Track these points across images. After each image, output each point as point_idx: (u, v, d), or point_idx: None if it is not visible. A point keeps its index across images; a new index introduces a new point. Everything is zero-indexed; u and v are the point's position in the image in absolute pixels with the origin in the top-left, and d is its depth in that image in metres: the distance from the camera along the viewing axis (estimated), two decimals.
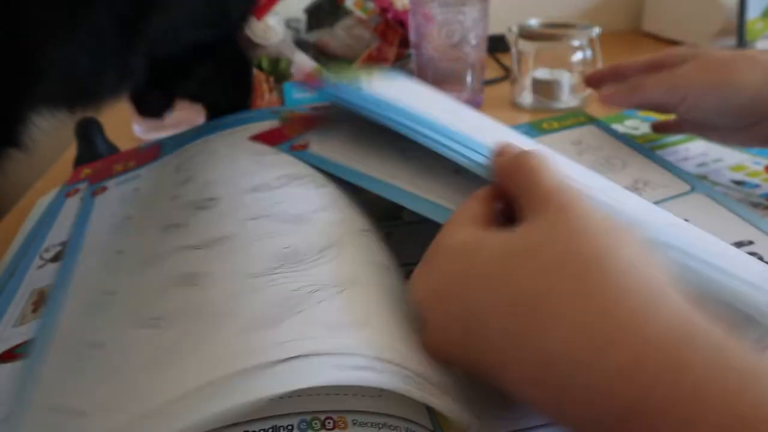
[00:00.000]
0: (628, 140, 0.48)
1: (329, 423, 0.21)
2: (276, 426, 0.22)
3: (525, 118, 0.62)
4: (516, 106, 0.72)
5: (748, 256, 0.29)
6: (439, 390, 0.23)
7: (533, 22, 0.72)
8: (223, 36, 0.45)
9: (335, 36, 0.80)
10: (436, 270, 0.25)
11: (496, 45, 0.82)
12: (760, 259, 0.34)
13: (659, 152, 0.48)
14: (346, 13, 0.81)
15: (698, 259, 0.26)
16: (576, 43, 0.69)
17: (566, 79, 0.69)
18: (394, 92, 0.39)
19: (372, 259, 0.30)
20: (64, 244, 0.38)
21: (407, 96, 0.39)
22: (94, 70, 0.33)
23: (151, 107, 0.49)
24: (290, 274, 0.26)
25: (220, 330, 0.23)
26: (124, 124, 0.66)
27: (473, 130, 0.36)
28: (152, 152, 0.47)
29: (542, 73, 0.70)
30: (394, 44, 0.78)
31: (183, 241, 0.31)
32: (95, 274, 0.34)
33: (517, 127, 0.44)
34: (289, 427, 0.22)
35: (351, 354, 0.21)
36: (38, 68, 0.30)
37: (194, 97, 0.52)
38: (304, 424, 0.21)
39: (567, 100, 0.69)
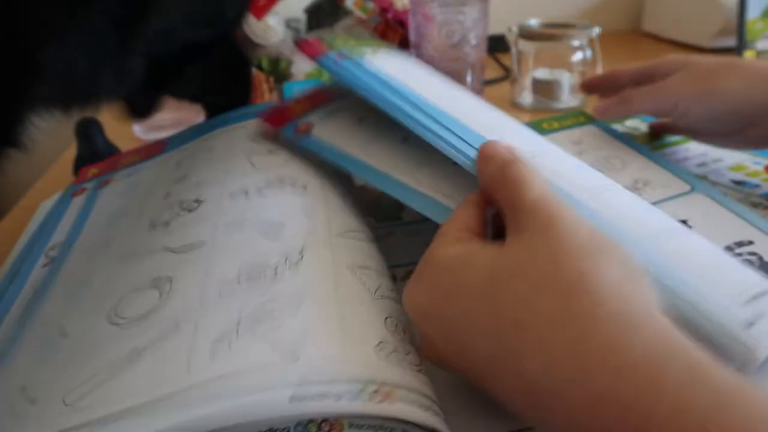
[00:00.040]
0: (628, 140, 0.48)
1: (325, 426, 0.21)
2: (273, 429, 0.22)
3: (525, 118, 0.62)
4: (516, 106, 0.72)
5: (740, 267, 0.29)
6: (406, 401, 0.23)
7: (533, 22, 0.72)
8: (219, 35, 0.45)
9: None
10: (425, 285, 0.25)
11: (496, 45, 0.82)
12: (760, 259, 0.34)
13: (659, 152, 0.48)
14: (346, 13, 0.81)
15: (676, 279, 0.26)
16: (576, 43, 0.68)
17: (566, 79, 0.69)
18: (396, 70, 0.39)
19: (349, 261, 0.30)
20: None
21: (408, 76, 0.39)
22: (91, 70, 0.33)
23: (140, 107, 0.48)
24: (251, 291, 0.27)
25: (179, 344, 0.24)
26: (124, 124, 0.66)
27: (472, 114, 0.36)
28: (158, 146, 0.48)
29: (542, 73, 0.70)
30: (394, 44, 0.78)
31: (163, 242, 0.32)
32: (82, 263, 0.34)
33: None
34: (286, 430, 0.22)
35: (304, 384, 0.22)
36: (38, 68, 0.30)
37: (194, 97, 0.52)
38: (301, 427, 0.21)
39: (567, 100, 0.69)
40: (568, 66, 0.69)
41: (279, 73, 0.74)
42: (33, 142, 0.32)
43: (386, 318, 0.27)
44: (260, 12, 0.63)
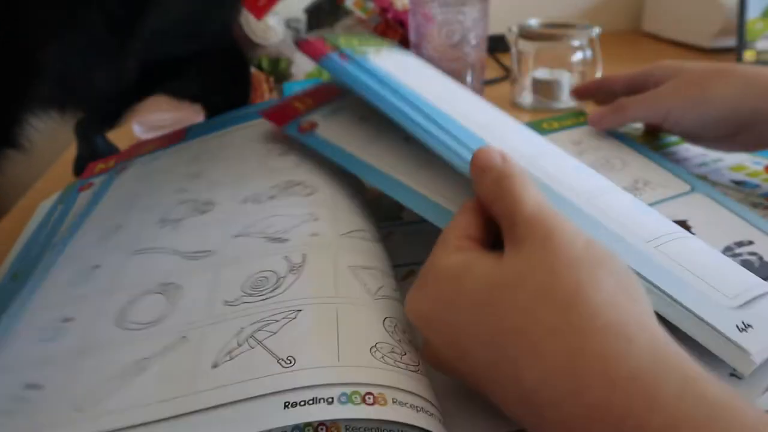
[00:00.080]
0: (628, 140, 0.48)
1: (322, 429, 0.21)
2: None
3: (525, 118, 0.62)
4: (516, 106, 0.72)
5: (738, 269, 0.29)
6: (398, 403, 0.23)
7: (533, 22, 0.72)
8: (200, 51, 0.45)
9: None
10: (427, 292, 0.26)
11: (496, 45, 0.82)
12: (760, 259, 0.34)
13: (659, 152, 0.48)
14: (346, 13, 0.81)
15: (673, 282, 0.26)
16: (576, 43, 0.68)
17: (566, 79, 0.69)
18: (398, 70, 0.39)
19: (352, 261, 0.30)
20: None
21: (410, 75, 0.39)
22: (89, 70, 0.33)
23: (105, 118, 0.48)
24: (254, 301, 0.27)
25: (183, 356, 0.25)
26: (124, 124, 0.66)
27: (472, 115, 0.36)
28: (178, 135, 0.49)
29: (542, 73, 0.70)
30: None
31: (173, 243, 0.33)
32: (91, 244, 0.35)
33: None
34: None
35: (298, 389, 0.22)
36: (38, 68, 0.30)
37: (193, 97, 0.52)
38: (297, 430, 0.21)
39: (567, 100, 0.69)
40: (568, 66, 0.69)
41: (279, 73, 0.74)
42: (32, 142, 0.32)
43: (385, 318, 0.27)
44: (260, 12, 0.63)
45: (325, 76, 0.68)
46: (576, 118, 0.52)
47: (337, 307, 0.27)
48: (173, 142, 0.48)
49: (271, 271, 0.29)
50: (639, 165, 0.45)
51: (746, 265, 0.33)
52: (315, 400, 0.22)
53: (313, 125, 0.40)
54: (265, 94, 0.67)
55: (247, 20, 0.71)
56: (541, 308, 0.22)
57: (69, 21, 0.31)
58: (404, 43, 0.76)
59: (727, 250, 0.35)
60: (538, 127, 0.51)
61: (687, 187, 0.42)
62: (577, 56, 0.69)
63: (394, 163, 0.35)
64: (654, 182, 0.42)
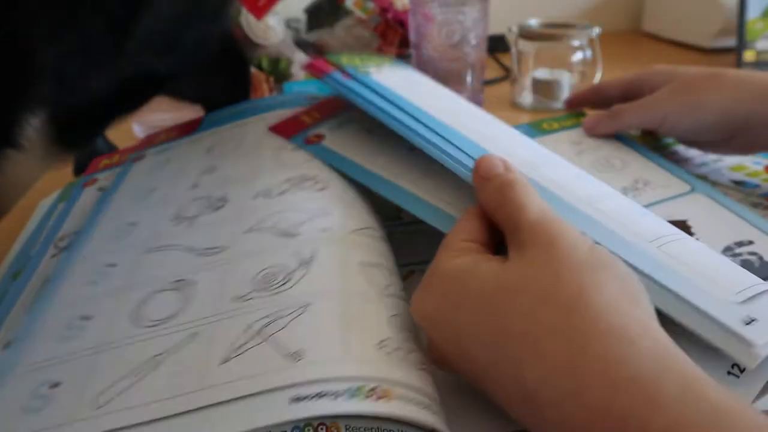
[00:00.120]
0: (628, 140, 0.48)
1: (322, 429, 0.21)
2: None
3: (525, 118, 0.62)
4: (516, 106, 0.72)
5: (737, 269, 0.29)
6: (404, 399, 0.23)
7: (533, 22, 0.72)
8: (179, 66, 0.44)
9: (335, 36, 0.80)
10: (432, 294, 0.26)
11: (496, 45, 0.82)
12: (760, 258, 0.34)
13: (659, 152, 0.48)
14: (346, 13, 0.81)
15: (675, 279, 0.27)
16: (576, 43, 0.68)
17: (566, 79, 0.69)
18: (399, 85, 0.40)
19: (361, 259, 0.30)
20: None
21: (411, 90, 0.40)
22: (87, 70, 0.34)
23: (76, 136, 0.47)
24: (263, 298, 0.27)
25: (194, 353, 0.25)
26: (124, 124, 0.66)
27: (473, 126, 0.37)
28: (192, 125, 0.49)
29: (542, 73, 0.70)
30: (394, 44, 0.78)
31: (187, 240, 0.33)
32: (106, 242, 0.36)
33: (517, 127, 0.44)
34: None
35: (304, 384, 0.22)
36: (37, 68, 0.30)
37: (193, 97, 0.52)
38: (297, 430, 0.21)
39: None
40: (568, 66, 0.69)
41: (279, 73, 0.74)
42: (32, 142, 0.32)
43: (392, 316, 0.27)
44: (260, 12, 0.63)
45: None
46: (576, 118, 0.52)
47: (345, 302, 0.27)
48: (187, 132, 0.48)
49: (281, 265, 0.29)
50: (639, 165, 0.45)
51: (746, 264, 0.33)
52: (321, 395, 0.22)
53: (320, 137, 0.41)
54: (265, 94, 0.67)
55: (247, 20, 0.71)
56: (543, 310, 0.22)
57: (69, 21, 0.31)
58: (404, 43, 0.76)
59: (727, 250, 0.35)
60: (537, 127, 0.51)
61: (687, 187, 0.42)
62: (577, 56, 0.69)
63: (399, 172, 0.36)
64: (654, 182, 0.42)
